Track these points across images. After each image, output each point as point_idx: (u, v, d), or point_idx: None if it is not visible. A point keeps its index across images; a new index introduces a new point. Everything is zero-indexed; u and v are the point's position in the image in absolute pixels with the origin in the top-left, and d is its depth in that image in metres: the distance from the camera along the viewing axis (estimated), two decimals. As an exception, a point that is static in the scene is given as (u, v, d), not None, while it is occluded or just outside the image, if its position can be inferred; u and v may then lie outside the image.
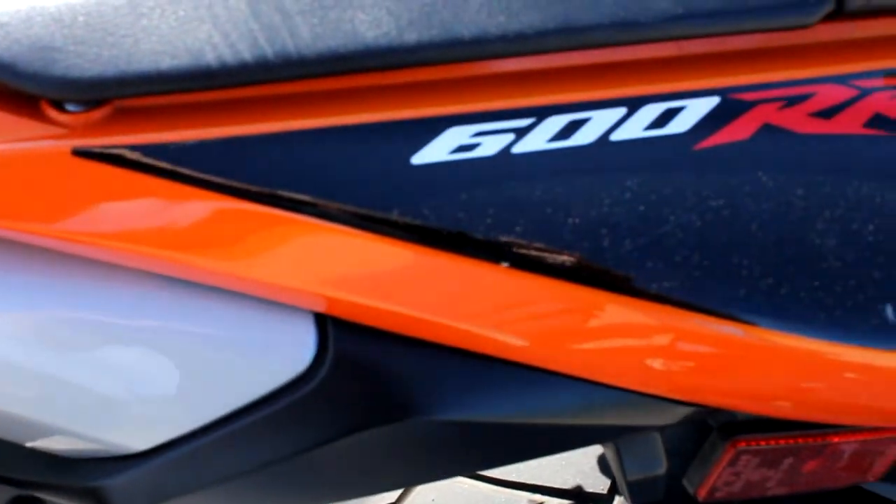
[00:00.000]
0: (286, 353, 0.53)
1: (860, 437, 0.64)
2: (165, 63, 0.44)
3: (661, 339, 0.50)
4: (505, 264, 0.48)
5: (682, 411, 0.57)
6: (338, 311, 0.51)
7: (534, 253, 0.48)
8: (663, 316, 0.49)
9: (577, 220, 0.48)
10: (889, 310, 0.49)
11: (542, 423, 0.55)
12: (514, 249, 0.48)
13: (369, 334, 0.52)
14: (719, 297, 0.48)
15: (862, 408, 0.55)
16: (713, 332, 0.49)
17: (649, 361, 0.51)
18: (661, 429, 0.59)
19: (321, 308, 0.51)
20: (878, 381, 0.52)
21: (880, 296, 0.49)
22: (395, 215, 0.47)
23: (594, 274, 0.48)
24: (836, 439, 0.63)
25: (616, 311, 0.49)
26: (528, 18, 0.47)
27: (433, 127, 0.48)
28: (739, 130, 0.50)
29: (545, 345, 0.51)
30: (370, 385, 0.53)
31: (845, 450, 0.64)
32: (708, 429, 0.65)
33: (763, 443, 0.62)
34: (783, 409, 0.55)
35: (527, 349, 0.51)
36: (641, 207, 0.48)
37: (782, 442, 0.63)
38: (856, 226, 0.49)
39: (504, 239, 0.47)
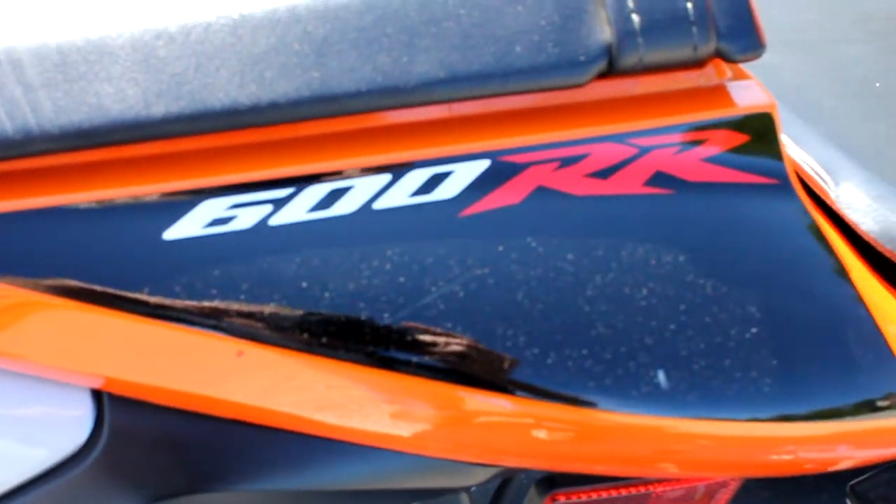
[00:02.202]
0: (63, 428, 0.51)
1: (683, 485, 0.63)
2: None
3: (438, 411, 0.49)
4: (259, 342, 0.46)
5: (489, 471, 0.56)
6: (110, 388, 0.49)
7: (288, 328, 0.46)
8: (428, 388, 0.47)
9: (333, 294, 0.46)
10: (661, 376, 0.48)
11: (340, 490, 0.54)
12: (269, 324, 0.46)
13: (147, 408, 0.50)
14: (484, 370, 0.47)
15: (660, 464, 0.54)
16: (483, 403, 0.48)
17: (433, 431, 0.50)
18: (467, 489, 0.58)
19: (94, 385, 0.50)
20: (669, 443, 0.51)
21: (652, 362, 0.48)
22: (145, 294, 0.46)
23: (351, 349, 0.46)
24: (658, 488, 0.63)
25: (383, 384, 0.48)
26: (281, 87, 0.46)
27: (186, 201, 0.46)
28: (510, 194, 0.48)
29: (321, 418, 0.49)
30: (152, 459, 0.52)
31: (669, 497, 0.64)
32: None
33: (583, 495, 0.61)
34: (589, 468, 0.55)
35: (304, 422, 0.49)
36: (402, 279, 0.47)
37: (603, 493, 0.62)
38: (628, 290, 0.48)
39: (258, 314, 0.46)
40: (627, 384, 0.48)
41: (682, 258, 0.49)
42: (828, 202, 0.65)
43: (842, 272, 0.53)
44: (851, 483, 0.76)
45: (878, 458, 0.55)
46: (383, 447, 0.51)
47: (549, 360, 0.47)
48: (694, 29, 0.50)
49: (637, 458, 0.53)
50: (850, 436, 0.52)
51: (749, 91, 0.53)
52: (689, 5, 0.50)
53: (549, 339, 0.47)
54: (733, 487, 0.66)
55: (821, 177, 0.65)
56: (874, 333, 0.52)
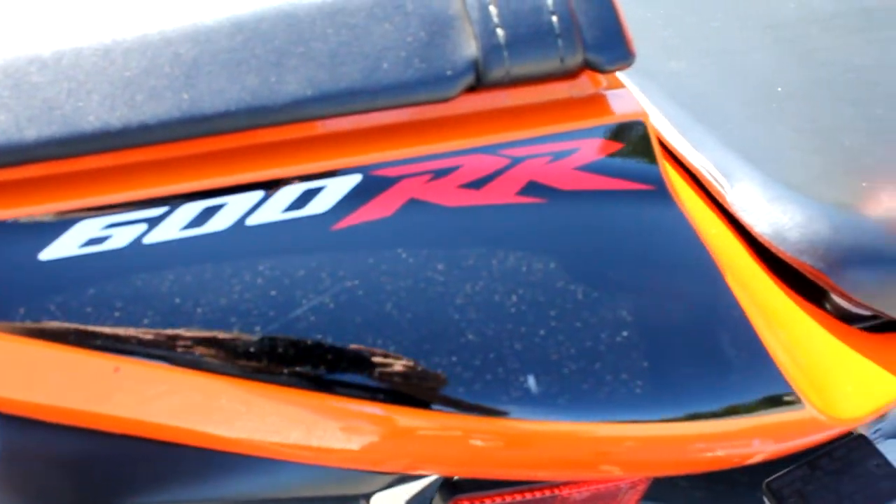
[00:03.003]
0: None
1: (590, 486, 0.64)
2: None
3: (322, 421, 0.50)
4: (135, 358, 0.48)
5: (386, 478, 0.57)
6: (2, 408, 0.51)
7: (164, 343, 0.47)
8: (306, 399, 0.48)
9: (206, 309, 0.47)
10: (531, 380, 0.49)
11: (238, 502, 0.55)
12: (145, 340, 0.47)
13: (40, 426, 0.51)
14: (356, 379, 0.48)
15: (550, 467, 0.55)
16: (357, 410, 0.49)
17: (322, 441, 0.51)
18: (366, 496, 0.59)
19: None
20: (548, 447, 0.52)
21: (522, 367, 0.49)
22: (23, 313, 0.47)
23: (225, 362, 0.48)
24: (564, 491, 0.64)
25: (262, 395, 0.49)
26: (151, 109, 0.47)
27: (61, 221, 0.47)
28: (382, 207, 0.50)
29: (208, 430, 0.50)
30: (48, 477, 0.53)
31: (576, 499, 0.65)
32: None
33: (487, 500, 0.62)
34: (487, 473, 0.56)
35: (191, 434, 0.50)
36: (273, 292, 0.48)
37: (508, 498, 0.63)
38: (498, 298, 0.50)
39: (133, 331, 0.47)
40: (498, 390, 0.49)
41: (553, 265, 0.51)
42: (724, 205, 0.66)
43: (717, 275, 0.54)
44: (767, 480, 0.77)
45: (758, 455, 0.57)
46: (276, 458, 0.52)
47: (420, 369, 0.48)
48: (560, 41, 0.51)
49: (534, 463, 0.54)
50: (725, 435, 0.53)
51: (622, 100, 0.54)
52: (555, 18, 0.51)
53: (418, 347, 0.48)
54: (641, 489, 0.67)
55: (717, 180, 0.67)
56: (749, 334, 0.54)
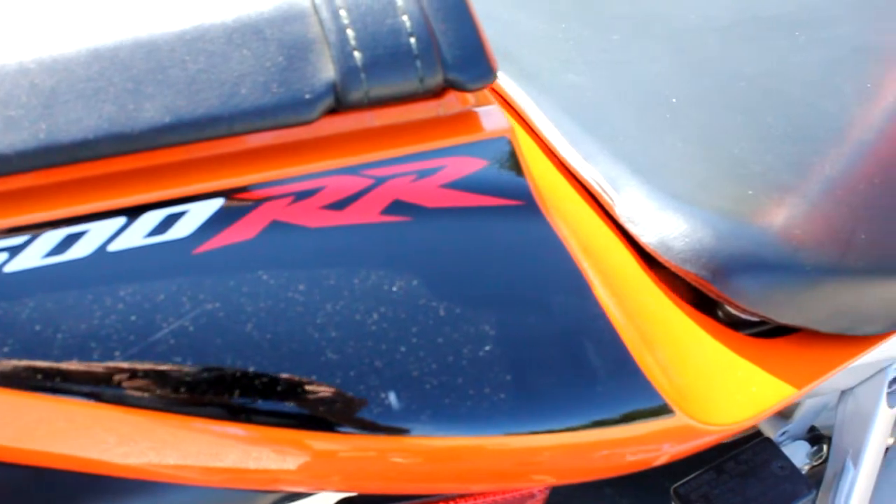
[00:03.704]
0: None
1: (487, 498, 0.65)
2: None
3: (187, 440, 0.50)
4: (3, 385, 0.48)
5: (274, 496, 0.58)
6: None
7: (27, 371, 0.48)
8: (164, 420, 0.49)
9: (67, 335, 0.48)
10: (392, 397, 0.50)
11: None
12: (7, 369, 0.48)
13: None
14: (212, 400, 0.49)
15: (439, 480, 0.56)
16: (220, 430, 0.50)
17: (190, 461, 0.51)
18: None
19: None
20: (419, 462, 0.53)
21: (382, 384, 0.50)
22: None
23: (87, 388, 0.48)
24: (460, 503, 0.64)
25: (128, 420, 0.49)
26: (9, 140, 0.48)
27: (-79, 253, 0.48)
28: (244, 230, 0.50)
29: (83, 454, 0.51)
30: None
31: (474, 511, 0.65)
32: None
33: (381, 514, 0.63)
34: (369, 487, 0.56)
35: (64, 459, 0.51)
36: (133, 317, 0.48)
37: (402, 511, 0.63)
38: (359, 316, 0.50)
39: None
40: (358, 408, 0.50)
41: (416, 282, 0.51)
42: (613, 216, 0.67)
43: (585, 288, 0.55)
44: (674, 486, 0.78)
45: (632, 465, 0.58)
46: (159, 481, 0.53)
47: (279, 388, 0.49)
48: (418, 62, 0.52)
49: (418, 477, 0.55)
50: (594, 445, 0.54)
51: (489, 117, 0.55)
52: (413, 40, 0.52)
53: (278, 367, 0.49)
54: (541, 498, 0.68)
55: (606, 192, 0.68)
56: (617, 346, 0.55)
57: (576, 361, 0.54)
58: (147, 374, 0.48)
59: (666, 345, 0.62)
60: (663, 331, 0.63)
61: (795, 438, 0.83)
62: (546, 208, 0.56)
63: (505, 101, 0.75)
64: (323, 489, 0.55)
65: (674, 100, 0.75)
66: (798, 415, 0.82)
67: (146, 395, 0.48)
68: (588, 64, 0.78)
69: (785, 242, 0.66)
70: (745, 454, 0.79)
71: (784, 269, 0.65)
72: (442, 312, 0.51)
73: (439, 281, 0.52)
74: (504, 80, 0.75)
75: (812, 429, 0.85)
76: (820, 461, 0.84)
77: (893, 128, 0.75)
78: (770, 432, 0.82)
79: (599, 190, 0.68)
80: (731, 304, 0.65)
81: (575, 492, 0.73)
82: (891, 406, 0.80)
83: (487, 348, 0.51)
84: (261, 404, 0.49)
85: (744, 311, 0.66)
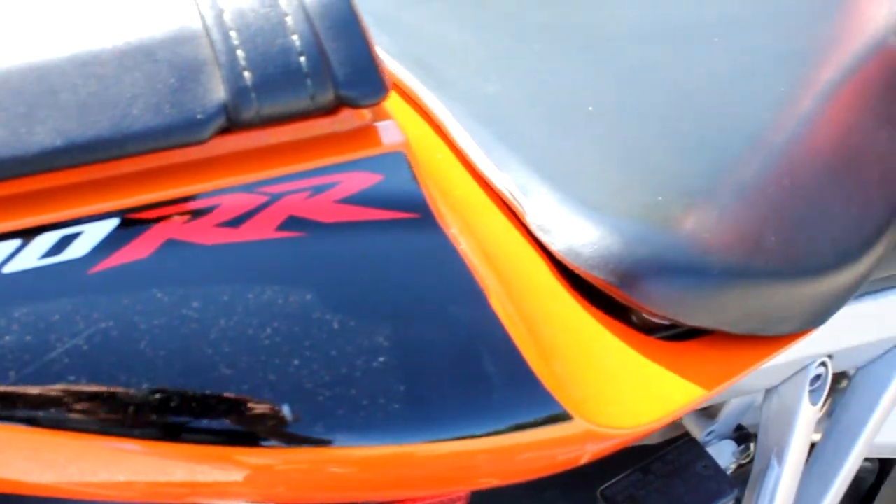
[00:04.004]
0: None
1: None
2: None
3: (84, 458, 0.51)
4: None
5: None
6: None
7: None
8: (60, 440, 0.50)
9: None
10: (287, 409, 0.51)
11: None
12: None
13: None
14: (107, 417, 0.50)
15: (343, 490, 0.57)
16: (114, 447, 0.50)
17: (90, 480, 0.52)
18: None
19: None
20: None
21: (277, 397, 0.51)
22: None
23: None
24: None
25: (35, 440, 0.50)
26: None
27: None
28: (139, 250, 0.51)
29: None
30: None
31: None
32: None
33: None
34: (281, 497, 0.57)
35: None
36: (28, 338, 0.49)
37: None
38: (252, 331, 0.51)
39: None
40: (254, 422, 0.51)
41: (310, 297, 0.53)
42: (524, 224, 0.68)
43: (481, 297, 0.56)
44: (601, 488, 0.79)
45: (535, 471, 0.59)
46: (74, 498, 0.54)
47: (172, 404, 0.50)
48: (309, 81, 0.53)
49: (324, 487, 0.56)
50: (488, 454, 0.55)
51: (386, 131, 0.56)
52: (303, 59, 0.53)
53: (172, 383, 0.50)
54: (464, 499, 0.69)
55: (518, 200, 0.69)
56: (513, 354, 0.56)
57: (469, 371, 0.55)
58: (41, 393, 0.49)
59: (572, 351, 0.63)
60: (571, 337, 0.64)
61: (722, 438, 0.84)
62: (444, 220, 0.57)
63: (425, 112, 0.76)
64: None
65: (590, 108, 0.76)
66: (723, 414, 0.84)
67: (41, 413, 0.49)
68: (507, 74, 0.79)
69: (693, 246, 0.67)
70: (671, 455, 0.81)
71: (691, 273, 0.66)
72: (336, 325, 0.52)
73: (334, 294, 0.53)
74: (423, 92, 0.77)
75: (739, 428, 0.86)
76: (748, 459, 0.85)
77: (805, 132, 0.76)
78: (697, 432, 0.84)
79: (511, 198, 0.69)
80: (640, 308, 0.66)
81: (501, 494, 0.74)
82: (813, 403, 0.82)
83: (381, 359, 0.53)
84: (154, 419, 0.50)
85: (654, 315, 0.67)
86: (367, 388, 0.52)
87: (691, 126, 0.75)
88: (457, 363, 0.55)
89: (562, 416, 0.57)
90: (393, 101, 0.77)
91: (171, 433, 0.50)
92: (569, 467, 0.60)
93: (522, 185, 0.69)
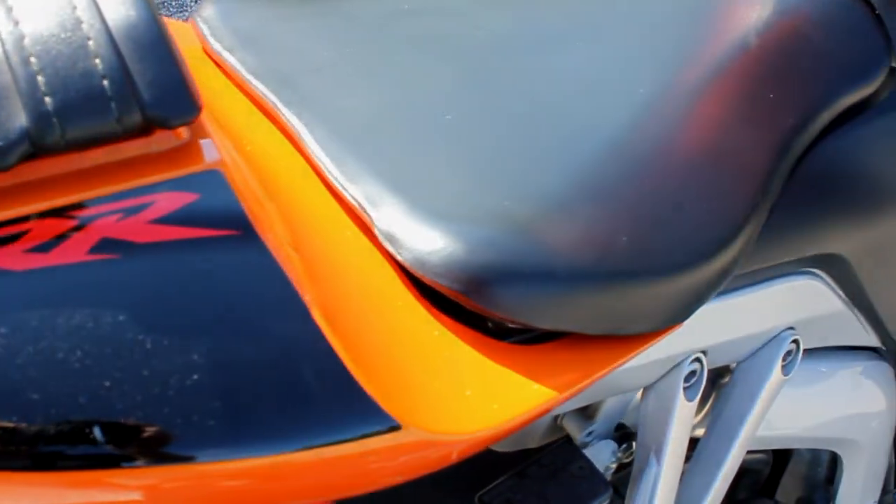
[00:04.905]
0: None
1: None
2: None
3: None
4: None
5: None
6: None
7: None
8: None
9: None
10: (97, 431, 0.51)
11: None
12: None
13: None
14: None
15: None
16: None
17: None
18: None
19: None
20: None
21: (88, 420, 0.51)
22: None
23: None
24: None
25: None
26: None
27: None
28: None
29: None
30: None
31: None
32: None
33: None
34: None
35: None
36: None
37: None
38: (62, 355, 0.51)
39: None
40: (71, 445, 0.51)
41: (123, 318, 0.53)
42: (374, 235, 0.69)
43: (304, 311, 0.57)
44: (479, 494, 0.80)
45: (368, 484, 0.59)
46: None
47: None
48: (113, 104, 0.53)
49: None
50: (310, 467, 0.56)
51: (202, 150, 0.57)
52: (106, 82, 0.53)
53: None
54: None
55: (367, 211, 0.69)
56: (337, 367, 0.56)
57: (289, 386, 0.55)
58: None
59: (415, 360, 0.63)
60: (416, 346, 0.64)
61: (603, 437, 0.85)
62: (268, 235, 0.57)
63: (284, 128, 0.76)
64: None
65: (448, 117, 0.76)
66: (601, 414, 0.84)
67: None
68: (369, 87, 0.80)
69: (538, 250, 0.67)
70: (547, 458, 0.81)
71: (536, 277, 0.67)
72: (149, 345, 0.53)
73: (148, 314, 0.53)
74: (283, 108, 0.77)
75: (621, 427, 0.87)
76: (630, 458, 0.86)
77: (662, 133, 0.77)
78: (576, 433, 0.84)
79: (360, 210, 0.69)
80: (488, 314, 0.67)
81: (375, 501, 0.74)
82: (689, 400, 0.82)
83: (194, 378, 0.53)
84: None
85: (504, 320, 0.68)
86: (180, 408, 0.52)
87: (547, 132, 0.76)
88: (276, 379, 0.55)
89: (391, 426, 0.57)
90: (253, 118, 0.77)
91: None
92: (410, 476, 0.60)
93: (371, 197, 0.70)
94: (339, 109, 0.77)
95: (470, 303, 0.66)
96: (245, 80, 0.80)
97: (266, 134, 0.77)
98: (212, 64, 0.83)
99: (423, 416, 0.59)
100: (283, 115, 0.77)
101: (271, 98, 0.78)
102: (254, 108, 0.79)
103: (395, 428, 0.57)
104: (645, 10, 0.90)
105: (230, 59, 0.82)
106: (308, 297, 0.57)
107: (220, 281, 0.55)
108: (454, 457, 0.62)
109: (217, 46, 0.83)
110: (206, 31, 0.85)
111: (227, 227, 0.56)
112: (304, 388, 0.55)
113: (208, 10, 0.87)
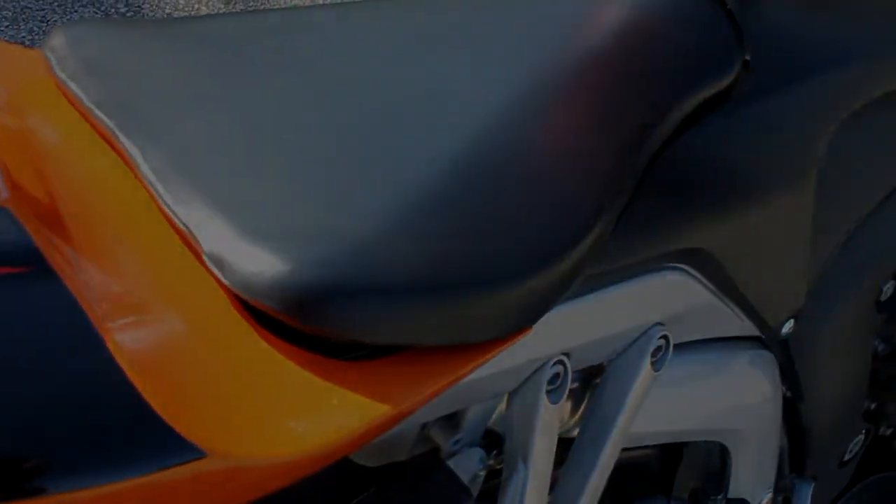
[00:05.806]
0: None
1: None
2: None
3: None
4: None
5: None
6: None
7: None
8: None
9: None
10: None
11: None
12: None
13: None
14: None
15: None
16: None
17: None
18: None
19: None
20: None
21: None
22: None
23: None
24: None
25: None
26: None
27: None
28: None
29: None
30: None
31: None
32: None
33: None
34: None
35: None
36: None
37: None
38: None
39: None
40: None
41: None
42: (202, 260, 0.69)
43: (99, 344, 0.56)
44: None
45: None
46: None
47: None
48: None
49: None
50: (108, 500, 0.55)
51: (-11, 189, 0.57)
52: None
53: None
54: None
55: (195, 236, 0.69)
56: (134, 398, 0.56)
57: (85, 419, 0.55)
58: None
59: (232, 384, 0.63)
60: (238, 370, 0.64)
61: (470, 445, 0.85)
62: (63, 269, 0.57)
63: (123, 156, 0.76)
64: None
65: (286, 136, 0.76)
66: (466, 422, 0.84)
67: None
68: (210, 110, 0.79)
69: (365, 266, 0.67)
70: (410, 469, 0.81)
71: (362, 293, 0.67)
72: None
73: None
74: (120, 135, 0.77)
75: (490, 433, 0.87)
76: (501, 464, 0.86)
77: (500, 141, 0.77)
78: (443, 442, 0.84)
79: (189, 234, 0.69)
80: (314, 333, 0.67)
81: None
82: (553, 402, 0.82)
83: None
84: None
85: (331, 338, 0.67)
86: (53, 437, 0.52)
87: (385, 145, 0.76)
88: (68, 415, 0.55)
89: (194, 455, 0.57)
90: (96, 147, 0.77)
91: None
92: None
93: (199, 221, 0.70)
94: (178, 134, 0.77)
95: (296, 322, 0.66)
96: (86, 108, 0.79)
97: (106, 163, 0.76)
98: (57, 93, 0.83)
99: (234, 443, 0.59)
100: (122, 142, 0.76)
101: (110, 125, 0.77)
102: (96, 137, 0.79)
103: (198, 456, 0.57)
104: (510, 17, 0.90)
105: (74, 88, 0.81)
106: (106, 329, 0.57)
107: (9, 318, 0.55)
108: (272, 482, 0.62)
109: (62, 76, 0.83)
110: (52, 61, 0.84)
111: (16, 263, 0.56)
112: (98, 422, 0.55)
113: (57, 39, 0.86)
